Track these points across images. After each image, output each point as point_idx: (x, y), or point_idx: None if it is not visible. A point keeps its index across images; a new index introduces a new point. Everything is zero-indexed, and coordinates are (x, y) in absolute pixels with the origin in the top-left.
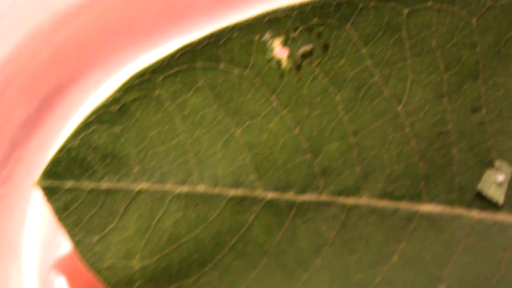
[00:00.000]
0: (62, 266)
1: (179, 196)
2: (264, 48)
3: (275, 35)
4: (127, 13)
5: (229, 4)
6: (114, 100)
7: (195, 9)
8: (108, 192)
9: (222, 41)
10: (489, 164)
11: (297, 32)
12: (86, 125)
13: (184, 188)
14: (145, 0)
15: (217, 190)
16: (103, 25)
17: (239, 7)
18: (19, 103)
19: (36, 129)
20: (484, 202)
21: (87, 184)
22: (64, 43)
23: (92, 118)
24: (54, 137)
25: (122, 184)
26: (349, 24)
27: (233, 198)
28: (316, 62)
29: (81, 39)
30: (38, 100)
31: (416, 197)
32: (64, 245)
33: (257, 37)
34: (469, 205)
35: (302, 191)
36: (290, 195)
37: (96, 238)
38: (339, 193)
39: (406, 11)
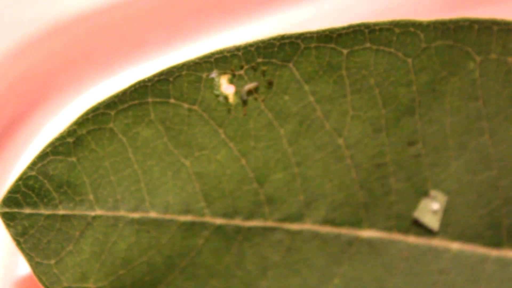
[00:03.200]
0: (22, 286)
1: (132, 222)
2: (212, 85)
3: (222, 73)
4: (84, 45)
5: (180, 39)
6: (69, 132)
7: (149, 42)
8: (64, 218)
9: (171, 78)
10: (425, 194)
11: (242, 70)
12: (42, 156)
13: (136, 215)
14: (101, 33)
15: (168, 216)
16: (61, 56)
17: (191, 41)
18: None
19: None
20: (421, 228)
21: (44, 211)
22: (22, 73)
23: (48, 150)
24: (13, 163)
25: (78, 211)
26: (292, 63)
27: (183, 224)
28: (261, 98)
29: (40, 69)
30: None
31: (357, 223)
32: (23, 265)
33: (205, 74)
34: (406, 231)
35: (249, 217)
36: (237, 221)
37: (53, 261)
38: (284, 219)
39: (345, 51)
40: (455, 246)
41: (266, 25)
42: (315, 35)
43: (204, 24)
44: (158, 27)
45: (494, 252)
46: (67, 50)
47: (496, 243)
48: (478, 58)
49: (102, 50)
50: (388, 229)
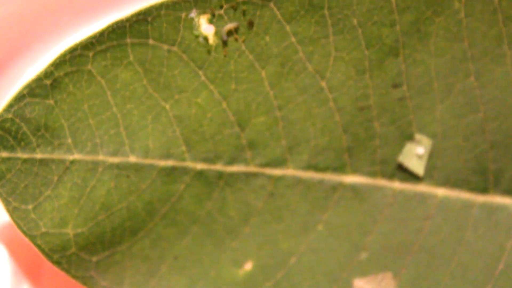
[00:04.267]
0: (0, 234)
1: (111, 166)
2: (191, 25)
3: (201, 12)
4: None
5: None
6: (46, 74)
7: None
8: (42, 162)
9: (150, 18)
10: (410, 138)
11: (222, 10)
12: (19, 98)
13: (116, 159)
14: None
15: (148, 161)
16: (43, 2)
17: None
18: None
19: None
20: (406, 173)
21: (21, 155)
22: (2, 20)
23: (25, 91)
24: None
25: (56, 155)
26: (272, 2)
27: (163, 169)
28: (242, 39)
29: (21, 16)
30: None
31: (340, 169)
32: (2, 212)
33: (184, 14)
34: (391, 177)
35: (230, 162)
36: (218, 166)
37: (31, 206)
38: (266, 164)
39: None
40: (441, 191)
41: None
42: None
43: None
44: None
45: (480, 198)
46: None
47: (483, 189)
48: None
49: None
50: (372, 174)
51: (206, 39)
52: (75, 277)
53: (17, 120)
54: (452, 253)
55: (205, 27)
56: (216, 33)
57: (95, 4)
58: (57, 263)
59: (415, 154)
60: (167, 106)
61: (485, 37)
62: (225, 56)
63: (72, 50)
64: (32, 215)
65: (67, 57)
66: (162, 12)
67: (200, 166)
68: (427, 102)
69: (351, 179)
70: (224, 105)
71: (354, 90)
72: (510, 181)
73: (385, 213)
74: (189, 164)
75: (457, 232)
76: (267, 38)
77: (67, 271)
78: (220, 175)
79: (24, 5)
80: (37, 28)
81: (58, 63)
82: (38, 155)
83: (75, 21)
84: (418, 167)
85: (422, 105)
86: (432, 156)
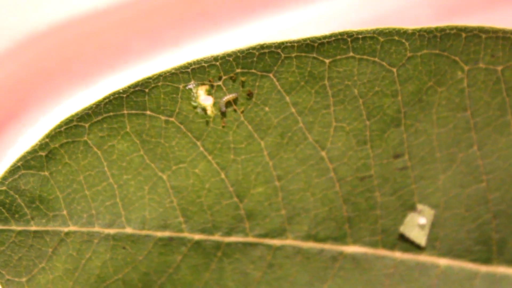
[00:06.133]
0: None
1: (107, 237)
2: (189, 96)
3: (200, 83)
4: (62, 55)
5: (162, 47)
6: (41, 145)
7: (130, 51)
8: (37, 234)
9: (147, 89)
10: (412, 208)
11: (221, 81)
12: (13, 170)
13: (112, 230)
14: (80, 42)
15: (144, 232)
16: (39, 66)
17: (174, 49)
18: None
19: None
20: (407, 244)
21: (16, 227)
22: (2, 82)
23: (19, 164)
24: None
25: (51, 227)
26: (272, 73)
27: (160, 240)
28: (241, 110)
29: (17, 80)
30: None
31: (341, 239)
32: None
33: (182, 85)
34: (392, 247)
35: (229, 233)
36: (216, 237)
37: (25, 279)
38: (265, 235)
39: (328, 61)
40: (443, 262)
41: (250, 34)
42: (295, 44)
43: (187, 32)
44: (139, 36)
45: (483, 268)
46: (45, 60)
47: (486, 259)
48: (466, 67)
49: (82, 60)
50: (373, 244)
51: (204, 110)
52: None
53: (11, 192)
54: None
55: (204, 98)
56: (215, 104)
57: (91, 68)
58: None
59: (417, 225)
60: (165, 177)
61: (488, 107)
62: (223, 127)
63: (68, 122)
64: None
65: (62, 128)
66: (160, 83)
67: (197, 236)
68: (429, 172)
69: (351, 249)
70: (223, 175)
71: (355, 160)
72: None
73: (387, 283)
74: (187, 235)
75: None
76: (267, 109)
77: None
78: (218, 245)
79: (20, 68)
80: (34, 92)
81: (54, 135)
82: (33, 227)
83: (71, 85)
84: (420, 237)
85: (424, 175)
86: (434, 226)
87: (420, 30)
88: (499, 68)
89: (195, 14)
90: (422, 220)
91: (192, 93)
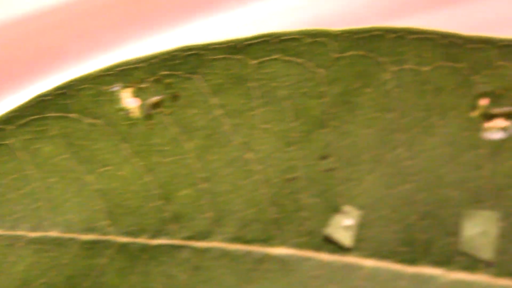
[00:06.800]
0: None
1: (31, 241)
2: (114, 99)
3: (125, 86)
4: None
5: (97, 50)
6: None
7: (68, 53)
8: None
9: (72, 92)
10: (338, 209)
11: (146, 83)
12: None
13: (36, 234)
14: (16, 44)
15: (69, 235)
16: None
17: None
18: None
19: None
20: (334, 245)
21: None
22: None
23: None
24: None
25: None
26: (197, 75)
27: (85, 243)
28: (167, 112)
29: None
30: None
31: (267, 240)
32: None
33: (107, 88)
34: (318, 248)
35: (155, 235)
36: (142, 240)
37: None
38: (191, 237)
39: (254, 62)
40: (369, 263)
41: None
42: (221, 46)
43: (124, 35)
44: (77, 38)
45: (409, 269)
46: None
47: (412, 260)
48: (392, 69)
49: (15, 63)
50: (300, 246)
51: (130, 112)
52: None
53: None
54: None
55: (129, 101)
56: (140, 106)
57: (23, 71)
58: None
59: (342, 226)
60: (90, 180)
61: (415, 108)
62: (149, 129)
63: None
64: None
65: None
66: (85, 86)
67: (123, 239)
68: (356, 174)
69: (278, 251)
70: (149, 178)
71: (282, 162)
72: (440, 252)
73: (312, 284)
74: (112, 237)
75: None
76: (193, 111)
77: None
78: (144, 248)
79: None
80: None
81: None
82: None
83: (2, 89)
84: (345, 238)
85: (351, 176)
86: (361, 227)
87: (346, 32)
88: (426, 69)
89: (132, 17)
90: (348, 222)
91: (117, 96)
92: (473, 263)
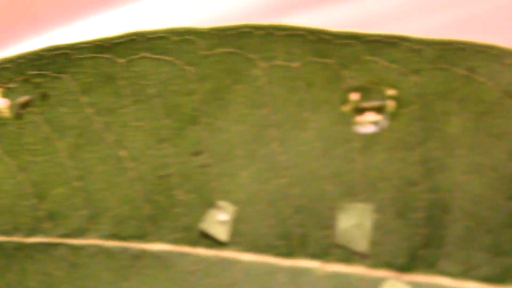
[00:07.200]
0: None
1: None
2: None
3: None
4: None
5: None
6: None
7: None
8: None
9: None
10: (213, 205)
11: (15, 83)
12: None
13: None
14: None
15: None
16: None
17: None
18: None
19: None
20: (211, 240)
21: None
22: None
23: None
24: None
25: None
26: (65, 74)
27: None
28: (36, 111)
29: None
30: None
31: (144, 237)
32: None
33: None
34: (195, 244)
35: (30, 234)
36: (17, 238)
37: None
38: (67, 235)
39: (122, 61)
40: (246, 257)
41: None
42: (88, 45)
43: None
44: None
45: (285, 262)
46: None
47: (287, 253)
48: (263, 65)
49: None
50: (177, 241)
51: None
52: None
53: None
54: None
55: None
56: (10, 106)
57: None
58: None
59: (218, 221)
60: None
61: (286, 103)
62: (20, 129)
63: None
64: None
65: None
66: None
67: None
68: (230, 169)
69: (155, 247)
70: (21, 177)
71: (155, 159)
72: (315, 245)
73: (190, 280)
74: None
75: None
76: (63, 110)
77: None
78: (19, 246)
79: None
80: None
81: None
82: None
83: None
84: (221, 233)
85: (225, 172)
86: (237, 222)
87: (213, 29)
88: (296, 65)
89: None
90: (223, 217)
91: None
92: (349, 255)
